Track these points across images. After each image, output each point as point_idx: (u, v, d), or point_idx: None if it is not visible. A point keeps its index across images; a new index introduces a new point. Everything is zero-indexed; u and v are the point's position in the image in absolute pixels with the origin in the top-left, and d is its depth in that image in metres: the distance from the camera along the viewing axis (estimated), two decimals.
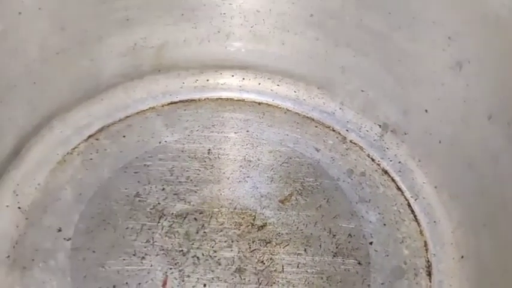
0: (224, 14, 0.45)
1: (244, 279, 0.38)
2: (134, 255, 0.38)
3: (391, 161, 0.44)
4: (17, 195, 0.40)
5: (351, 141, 0.46)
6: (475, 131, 0.35)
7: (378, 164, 0.45)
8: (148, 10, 0.43)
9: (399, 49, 0.40)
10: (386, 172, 0.44)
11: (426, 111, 0.40)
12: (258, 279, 0.37)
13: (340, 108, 0.47)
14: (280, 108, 0.49)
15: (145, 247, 0.39)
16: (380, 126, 0.45)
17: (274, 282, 0.37)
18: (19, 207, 0.40)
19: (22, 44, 0.37)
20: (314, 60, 0.46)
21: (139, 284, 0.37)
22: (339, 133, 0.47)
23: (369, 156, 0.45)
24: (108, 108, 0.46)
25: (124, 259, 0.38)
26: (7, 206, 0.39)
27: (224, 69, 0.48)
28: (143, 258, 0.38)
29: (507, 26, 0.31)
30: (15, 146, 0.40)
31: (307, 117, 0.48)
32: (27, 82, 0.40)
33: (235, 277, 0.38)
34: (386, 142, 0.45)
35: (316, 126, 0.47)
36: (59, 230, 0.39)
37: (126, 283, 0.37)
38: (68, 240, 0.39)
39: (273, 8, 0.44)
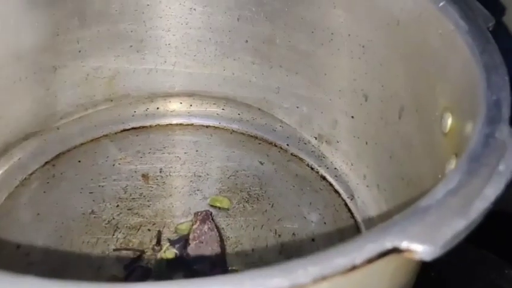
0: (169, 44, 0.50)
1: None
2: (90, 267, 0.40)
3: (327, 167, 0.48)
4: None
5: (291, 154, 0.50)
6: (391, 125, 0.39)
7: (317, 172, 0.49)
8: (99, 42, 0.47)
9: (323, 64, 0.45)
10: (324, 178, 0.48)
11: (352, 117, 0.45)
12: None
13: (280, 126, 0.51)
14: (226, 129, 0.52)
15: (100, 259, 0.41)
16: (316, 138, 0.49)
17: None
18: None
19: None
20: (253, 83, 0.50)
21: None
22: (281, 147, 0.51)
23: (308, 166, 0.49)
24: (64, 136, 0.49)
25: (80, 271, 0.40)
26: None
27: (172, 97, 0.52)
28: (99, 268, 0.40)
29: (407, 28, 0.37)
30: None
31: (251, 135, 0.52)
32: None
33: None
34: (322, 151, 0.49)
35: (259, 143, 0.51)
36: (18, 247, 0.41)
37: None
38: (26, 255, 0.41)
39: (212, 37, 0.49)
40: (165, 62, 0.50)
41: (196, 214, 0.44)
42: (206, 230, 0.42)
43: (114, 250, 0.42)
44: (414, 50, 0.35)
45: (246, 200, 0.46)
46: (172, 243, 0.42)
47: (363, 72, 0.41)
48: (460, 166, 0.21)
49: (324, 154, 0.49)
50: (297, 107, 0.50)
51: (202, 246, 0.41)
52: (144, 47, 0.49)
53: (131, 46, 0.48)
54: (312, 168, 0.49)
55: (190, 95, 0.52)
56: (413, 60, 0.36)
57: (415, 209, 0.19)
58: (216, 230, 0.43)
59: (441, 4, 0.32)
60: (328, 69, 0.45)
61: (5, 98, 0.43)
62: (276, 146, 0.51)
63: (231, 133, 0.52)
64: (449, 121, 0.30)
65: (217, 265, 0.40)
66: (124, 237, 0.43)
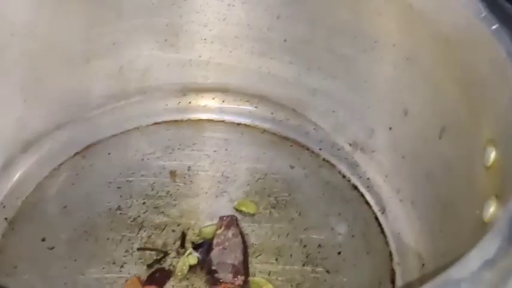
0: (205, 39, 0.48)
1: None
2: (114, 263, 0.40)
3: (360, 177, 0.47)
4: (4, 206, 0.43)
5: (323, 159, 0.49)
6: (431, 144, 0.37)
7: (348, 180, 0.47)
8: (134, 35, 0.46)
9: (364, 70, 0.43)
10: (356, 187, 0.46)
11: (390, 128, 0.43)
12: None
13: (314, 129, 0.50)
14: (258, 128, 0.51)
15: (124, 256, 0.41)
16: (350, 145, 0.48)
17: None
18: (5, 218, 0.42)
19: (14, 64, 0.40)
20: (289, 83, 0.49)
21: None
22: (313, 151, 0.49)
23: (340, 173, 0.48)
24: (95, 127, 0.49)
25: (103, 267, 0.40)
26: None
27: (205, 92, 0.51)
28: (122, 266, 0.40)
29: (456, 48, 0.34)
30: (4, 161, 0.43)
31: (283, 137, 0.51)
32: (18, 100, 0.42)
33: (209, 285, 0.40)
34: (356, 159, 0.47)
35: (291, 145, 0.50)
36: (43, 240, 0.41)
37: None
38: (50, 249, 0.41)
39: (249, 34, 0.47)
40: (200, 57, 0.49)
41: (221, 218, 0.43)
42: (230, 236, 0.42)
43: (138, 249, 0.41)
44: (461, 72, 0.33)
45: (273, 205, 0.45)
46: (195, 246, 0.41)
47: (405, 85, 0.39)
48: (500, 229, 0.19)
49: (358, 162, 0.47)
50: (333, 111, 0.48)
51: (226, 252, 0.41)
52: (179, 41, 0.47)
53: (166, 40, 0.47)
54: (344, 176, 0.47)
55: (224, 91, 0.51)
56: (459, 83, 0.34)
57: (446, 280, 0.18)
58: (240, 236, 0.42)
59: (494, 27, 0.30)
60: (368, 77, 0.43)
61: (37, 88, 0.43)
62: (308, 149, 0.50)
63: (262, 132, 0.51)
64: (492, 155, 0.28)
65: (239, 273, 0.40)
66: (148, 237, 0.42)
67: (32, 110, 0.43)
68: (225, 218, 0.43)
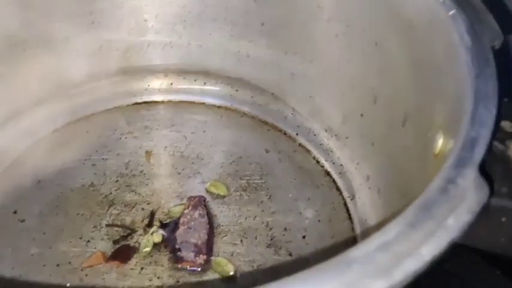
0: (184, 20, 0.49)
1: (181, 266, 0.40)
2: (81, 238, 0.41)
3: (333, 163, 0.46)
4: None
5: (299, 144, 0.49)
6: (395, 131, 0.37)
7: (322, 166, 0.47)
8: (112, 15, 0.46)
9: (338, 56, 0.43)
10: (328, 173, 0.46)
11: (361, 115, 0.42)
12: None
13: (292, 114, 0.50)
14: (237, 111, 0.52)
15: (92, 232, 0.42)
16: (326, 130, 0.47)
17: (207, 269, 0.40)
18: None
19: None
20: (267, 67, 0.49)
21: (82, 263, 0.40)
22: (290, 136, 0.49)
23: (314, 159, 0.48)
24: (75, 106, 0.50)
25: (70, 241, 0.41)
26: None
27: (187, 74, 0.52)
28: (88, 241, 0.41)
29: (417, 33, 0.34)
30: None
31: (262, 121, 0.51)
32: None
33: (171, 263, 0.40)
34: (330, 146, 0.47)
35: (268, 130, 0.50)
36: (15, 212, 0.42)
37: (69, 263, 0.40)
38: (21, 221, 0.42)
39: (227, 16, 0.47)
40: (180, 38, 0.49)
41: (190, 198, 0.43)
42: (196, 216, 0.42)
43: (106, 225, 0.42)
44: (423, 58, 0.32)
45: (244, 188, 0.46)
46: (162, 225, 0.42)
47: (375, 70, 0.39)
48: (405, 215, 0.19)
49: (332, 149, 0.47)
50: (310, 97, 0.48)
51: (190, 232, 0.41)
52: (158, 21, 0.48)
53: (145, 20, 0.48)
54: (318, 162, 0.47)
55: (205, 73, 0.52)
56: (421, 69, 0.34)
57: (340, 259, 0.18)
58: (206, 217, 0.42)
59: (451, 12, 0.29)
60: (341, 63, 0.43)
61: (15, 65, 0.44)
62: (285, 134, 0.50)
63: (241, 116, 0.51)
64: (439, 143, 0.28)
65: (201, 253, 0.40)
66: (118, 214, 0.43)
67: (9, 86, 0.44)
68: (193, 198, 0.43)
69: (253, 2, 0.46)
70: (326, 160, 0.47)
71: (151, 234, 0.41)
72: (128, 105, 0.51)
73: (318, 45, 0.44)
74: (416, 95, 0.35)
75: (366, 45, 0.40)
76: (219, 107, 0.52)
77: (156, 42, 0.49)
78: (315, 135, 0.49)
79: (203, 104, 0.52)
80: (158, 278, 0.40)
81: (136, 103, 0.51)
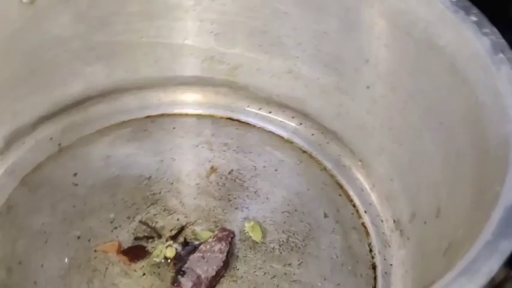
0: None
1: None
2: (111, 223, 0.42)
3: (385, 259, 0.40)
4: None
5: (362, 223, 0.44)
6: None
7: (372, 257, 0.41)
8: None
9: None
10: (374, 267, 0.41)
11: (425, 223, 0.36)
12: None
13: (370, 189, 0.45)
14: (319, 164, 0.48)
15: (123, 220, 0.42)
16: (394, 221, 0.42)
17: None
18: (59, 144, 0.47)
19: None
20: (365, 132, 0.45)
21: (98, 245, 0.41)
22: (357, 211, 0.45)
23: (369, 245, 0.42)
24: (177, 101, 0.52)
25: (101, 221, 0.42)
26: None
27: (287, 109, 0.50)
28: (115, 228, 0.42)
29: None
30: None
31: (338, 183, 0.46)
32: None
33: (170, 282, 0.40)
34: (391, 239, 0.42)
35: (340, 195, 0.46)
36: (74, 175, 0.45)
37: (89, 240, 0.41)
38: (74, 185, 0.44)
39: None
40: (296, 80, 0.48)
41: (220, 229, 0.42)
42: (216, 250, 0.41)
43: (139, 221, 0.43)
44: None
45: (281, 243, 0.43)
46: (184, 243, 0.42)
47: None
48: None
49: (390, 243, 0.41)
50: (391, 179, 0.43)
51: (202, 262, 0.40)
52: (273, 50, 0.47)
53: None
54: (371, 251, 0.42)
55: (304, 114, 0.49)
56: None
57: None
58: (225, 254, 0.41)
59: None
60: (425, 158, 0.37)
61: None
62: (353, 206, 0.45)
63: (320, 170, 0.48)
64: None
65: (199, 287, 0.39)
66: (154, 214, 0.44)
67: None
68: (222, 231, 0.42)
69: None
70: (379, 252, 0.42)
71: (166, 247, 0.41)
72: (221, 117, 0.52)
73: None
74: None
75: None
76: (304, 151, 0.50)
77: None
78: (382, 221, 0.44)
79: (291, 143, 0.50)
80: None
81: (230, 118, 0.52)
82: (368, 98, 0.42)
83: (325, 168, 0.49)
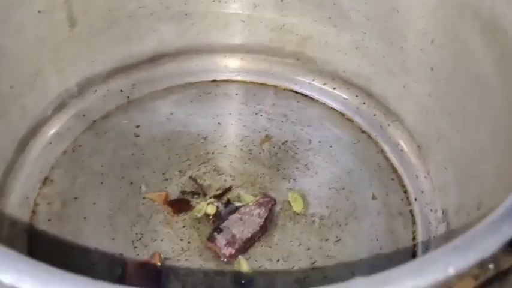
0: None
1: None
2: (163, 174, 0.44)
3: (427, 248, 0.39)
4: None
5: (410, 211, 0.42)
6: None
7: (415, 244, 0.40)
8: None
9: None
10: (414, 254, 0.40)
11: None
12: None
13: (425, 177, 0.43)
14: (377, 146, 0.47)
15: (175, 174, 0.44)
16: (443, 212, 0.40)
17: (229, 263, 0.39)
18: (127, 96, 0.49)
19: None
20: (426, 116, 0.43)
21: (147, 193, 0.43)
22: (408, 197, 0.43)
23: (413, 233, 0.41)
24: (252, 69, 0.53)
25: (154, 171, 0.44)
26: None
27: (371, 99, 0.49)
28: (166, 180, 0.44)
29: None
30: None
31: (393, 166, 0.45)
32: None
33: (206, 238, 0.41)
34: (437, 230, 0.40)
35: (393, 179, 0.44)
36: (137, 126, 0.48)
37: (140, 187, 0.43)
38: (136, 135, 0.47)
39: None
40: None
41: (263, 195, 0.43)
42: (254, 213, 0.41)
43: (189, 177, 0.45)
44: None
45: (322, 218, 0.42)
46: (227, 203, 0.43)
47: None
48: None
49: (436, 233, 0.40)
50: (445, 168, 0.40)
51: (239, 223, 0.41)
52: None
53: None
54: (414, 238, 0.41)
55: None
56: None
57: None
58: (263, 219, 0.41)
59: None
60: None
61: None
62: (405, 192, 0.44)
63: (377, 152, 0.46)
64: None
65: (232, 246, 0.39)
66: (204, 172, 0.45)
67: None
68: (264, 197, 0.42)
69: None
70: (423, 242, 0.40)
71: (208, 204, 0.42)
72: (284, 89, 0.52)
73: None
74: None
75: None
76: (363, 131, 0.48)
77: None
78: (431, 210, 0.42)
79: (351, 121, 0.49)
80: (188, 242, 0.41)
81: (293, 91, 0.52)
82: (431, 80, 0.40)
83: (382, 151, 0.47)
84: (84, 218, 0.42)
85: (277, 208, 0.43)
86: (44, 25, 0.40)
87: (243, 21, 0.49)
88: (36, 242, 0.40)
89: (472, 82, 0.35)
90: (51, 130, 0.46)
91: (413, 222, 0.42)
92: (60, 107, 0.46)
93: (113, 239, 0.41)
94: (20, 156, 0.43)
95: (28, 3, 0.38)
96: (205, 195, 0.44)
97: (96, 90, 0.49)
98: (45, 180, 0.44)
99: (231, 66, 0.52)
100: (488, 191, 0.32)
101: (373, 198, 0.44)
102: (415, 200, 0.43)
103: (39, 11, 0.39)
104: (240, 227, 0.41)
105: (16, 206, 0.42)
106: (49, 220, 0.41)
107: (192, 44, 0.50)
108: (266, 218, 0.42)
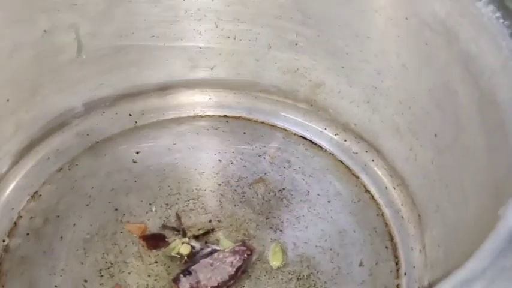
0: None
1: None
2: (150, 204, 0.43)
3: None
4: None
5: (397, 286, 0.38)
6: None
7: None
8: None
9: None
10: None
11: None
12: None
13: (420, 251, 0.39)
14: (376, 205, 0.43)
15: (161, 206, 0.43)
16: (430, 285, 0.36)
17: None
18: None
19: None
20: (427, 185, 0.39)
21: (128, 222, 0.42)
22: (398, 270, 0.39)
23: None
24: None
25: (141, 200, 0.43)
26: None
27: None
28: (151, 211, 0.43)
29: None
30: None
31: (390, 234, 0.42)
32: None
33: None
34: None
35: (386, 247, 0.41)
36: (137, 153, 0.48)
37: (124, 214, 0.43)
38: (135, 163, 0.47)
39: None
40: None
41: (241, 243, 0.40)
42: (227, 261, 0.39)
43: (176, 213, 0.43)
44: None
45: (300, 277, 0.39)
46: (203, 246, 0.41)
47: None
48: None
49: None
50: (438, 246, 0.36)
51: (208, 269, 0.39)
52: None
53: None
54: None
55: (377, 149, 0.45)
56: None
57: None
58: (235, 269, 0.39)
59: None
60: None
61: None
62: (397, 264, 0.40)
63: (377, 215, 0.43)
64: None
65: None
66: (190, 209, 0.44)
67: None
68: (242, 245, 0.40)
69: None
70: None
71: (183, 243, 0.41)
72: (295, 134, 0.49)
73: None
74: None
75: None
76: (367, 190, 0.45)
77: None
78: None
79: (357, 178, 0.46)
80: (155, 280, 0.39)
81: (303, 137, 0.49)
82: (435, 147, 0.37)
83: (382, 214, 0.44)
84: (61, 237, 0.42)
85: (255, 258, 0.41)
86: (47, 45, 0.41)
87: (258, 60, 0.48)
88: (9, 254, 0.41)
89: (468, 153, 0.32)
90: (51, 146, 0.46)
91: None
92: (62, 124, 0.46)
93: (82, 263, 0.40)
94: (14, 168, 0.44)
95: (32, 21, 0.39)
96: (185, 234, 0.42)
97: (104, 112, 0.49)
98: (34, 195, 0.44)
99: (243, 103, 0.51)
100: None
101: (361, 265, 0.41)
102: (405, 274, 0.39)
103: (44, 31, 0.40)
104: (208, 273, 0.39)
105: None
106: (27, 234, 0.42)
107: (205, 78, 0.50)
108: (239, 268, 0.39)
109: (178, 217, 0.43)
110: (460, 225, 0.32)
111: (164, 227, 0.43)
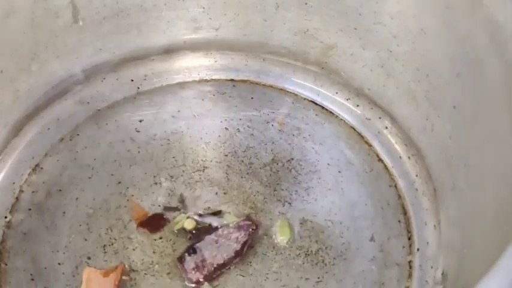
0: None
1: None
2: (155, 177, 0.42)
3: None
4: None
5: (409, 262, 0.37)
6: None
7: None
8: None
9: None
10: None
11: None
12: None
13: (435, 226, 0.37)
14: (390, 176, 0.42)
15: (166, 179, 0.42)
16: (442, 273, 0.34)
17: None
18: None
19: None
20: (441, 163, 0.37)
21: (132, 195, 0.41)
22: (410, 245, 0.38)
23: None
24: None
25: (146, 173, 0.42)
26: None
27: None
28: (155, 184, 0.41)
29: None
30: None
31: (404, 208, 0.40)
32: None
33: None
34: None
35: (399, 221, 0.39)
36: (140, 121, 0.46)
37: (127, 187, 0.42)
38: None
39: None
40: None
41: (246, 217, 0.39)
42: (232, 237, 0.38)
43: (180, 195, 0.42)
44: None
45: (307, 253, 0.38)
46: (207, 220, 0.40)
47: None
48: None
49: None
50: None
51: (213, 246, 0.38)
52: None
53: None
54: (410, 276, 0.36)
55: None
56: None
57: None
58: (240, 245, 0.38)
59: None
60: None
61: None
62: (409, 239, 0.38)
63: (390, 186, 0.41)
64: None
65: (201, 271, 0.36)
66: (196, 182, 0.42)
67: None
68: (247, 220, 0.39)
69: None
70: None
71: (187, 217, 0.39)
72: (305, 98, 0.47)
73: None
74: None
75: None
76: (379, 159, 0.43)
77: None
78: (431, 267, 0.36)
79: (370, 146, 0.44)
80: (160, 257, 0.38)
81: (313, 102, 0.46)
82: (453, 120, 0.34)
83: (395, 186, 0.42)
84: (63, 213, 0.41)
85: (262, 233, 0.39)
86: (41, 10, 0.38)
87: (265, 20, 0.45)
88: (11, 230, 0.40)
89: (490, 133, 0.29)
90: (52, 115, 0.45)
91: (409, 276, 0.37)
92: (63, 92, 0.45)
93: (85, 240, 0.39)
94: (13, 140, 0.43)
95: None
96: (181, 209, 0.40)
97: (104, 78, 0.47)
98: (36, 168, 0.43)
99: (250, 66, 0.49)
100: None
101: (371, 240, 0.39)
102: (418, 250, 0.38)
103: None
104: (214, 250, 0.38)
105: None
106: (29, 209, 0.41)
107: (210, 39, 0.47)
108: (244, 244, 0.38)
109: (182, 199, 0.42)
110: (477, 211, 0.30)
111: (166, 209, 0.41)
